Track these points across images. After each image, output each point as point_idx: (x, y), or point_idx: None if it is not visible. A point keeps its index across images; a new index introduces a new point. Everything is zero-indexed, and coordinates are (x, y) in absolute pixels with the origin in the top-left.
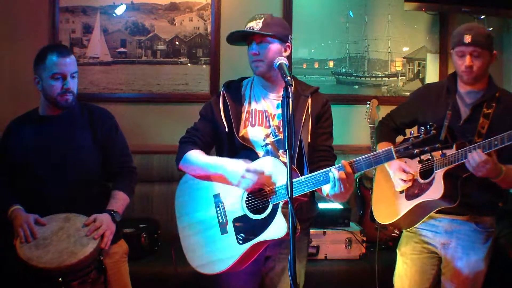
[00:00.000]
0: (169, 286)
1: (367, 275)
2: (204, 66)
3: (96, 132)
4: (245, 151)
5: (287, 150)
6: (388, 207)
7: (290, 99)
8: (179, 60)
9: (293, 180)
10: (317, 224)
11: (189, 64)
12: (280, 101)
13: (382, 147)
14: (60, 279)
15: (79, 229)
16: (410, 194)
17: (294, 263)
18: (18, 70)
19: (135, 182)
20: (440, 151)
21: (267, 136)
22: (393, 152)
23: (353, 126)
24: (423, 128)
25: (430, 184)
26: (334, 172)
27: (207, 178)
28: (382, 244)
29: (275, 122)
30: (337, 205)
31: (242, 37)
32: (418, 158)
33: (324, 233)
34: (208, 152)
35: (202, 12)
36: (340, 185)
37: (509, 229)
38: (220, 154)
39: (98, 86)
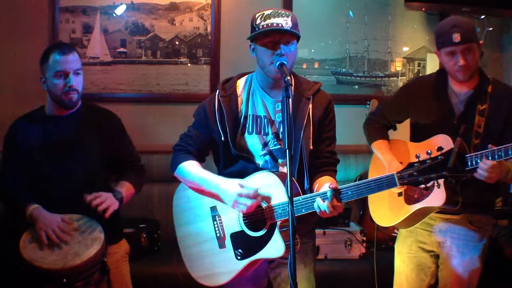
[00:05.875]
0: (169, 286)
1: (367, 275)
2: (204, 66)
3: (102, 133)
4: (243, 160)
5: (287, 150)
6: (387, 209)
7: (290, 99)
8: (179, 60)
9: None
10: (317, 224)
11: (189, 64)
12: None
13: (378, 145)
14: (64, 280)
15: (77, 229)
16: (409, 198)
17: (294, 263)
18: (19, 70)
19: (143, 179)
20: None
21: (265, 144)
22: (396, 179)
23: (353, 126)
24: (430, 151)
25: (430, 190)
26: (319, 202)
27: (202, 192)
28: (382, 244)
29: (274, 129)
30: None
31: (263, 34)
32: (423, 186)
33: (324, 233)
34: (204, 159)
35: (202, 12)
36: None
37: (507, 229)
38: (216, 160)
39: (98, 86)
